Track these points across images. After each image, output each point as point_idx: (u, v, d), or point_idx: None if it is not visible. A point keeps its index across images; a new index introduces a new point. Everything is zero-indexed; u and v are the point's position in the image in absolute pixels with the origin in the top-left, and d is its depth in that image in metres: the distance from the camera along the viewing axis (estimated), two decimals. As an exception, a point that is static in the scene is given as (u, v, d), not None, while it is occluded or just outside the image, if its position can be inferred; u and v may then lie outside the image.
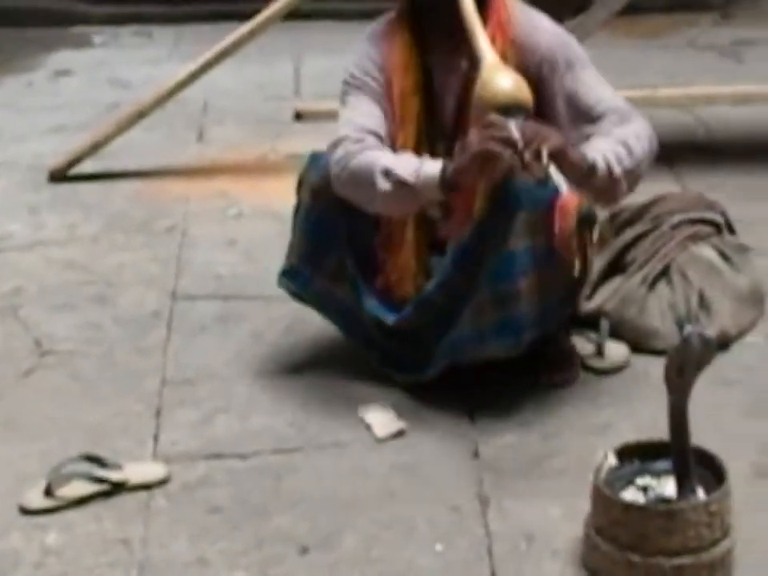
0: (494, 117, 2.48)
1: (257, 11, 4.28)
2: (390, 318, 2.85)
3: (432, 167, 2.57)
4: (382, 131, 2.73)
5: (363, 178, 2.61)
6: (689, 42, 5.70)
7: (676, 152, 4.35)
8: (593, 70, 2.76)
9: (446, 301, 2.78)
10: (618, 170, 2.54)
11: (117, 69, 5.54)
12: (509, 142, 2.43)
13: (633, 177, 2.62)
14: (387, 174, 2.55)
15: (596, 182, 2.55)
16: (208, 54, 4.32)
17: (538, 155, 2.41)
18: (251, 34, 4.22)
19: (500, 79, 2.52)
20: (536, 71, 2.67)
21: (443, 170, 2.52)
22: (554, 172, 2.46)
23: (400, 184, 2.54)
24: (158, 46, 5.83)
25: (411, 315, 2.83)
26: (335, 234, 2.84)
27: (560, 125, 2.67)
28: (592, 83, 2.73)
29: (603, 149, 2.55)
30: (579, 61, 2.74)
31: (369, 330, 2.94)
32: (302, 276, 2.94)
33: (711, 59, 5.49)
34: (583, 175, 2.52)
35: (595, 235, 2.71)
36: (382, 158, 2.62)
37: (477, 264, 2.64)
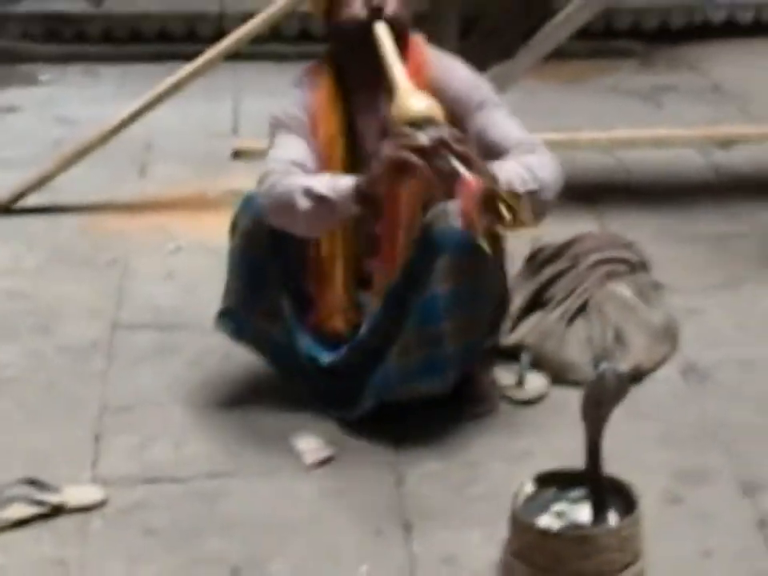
0: (404, 128, 2.60)
1: (200, 52, 4.38)
2: (324, 358, 2.93)
3: (347, 180, 2.66)
4: (309, 164, 2.82)
5: (286, 201, 2.69)
6: (611, 87, 5.82)
7: (597, 192, 4.49)
8: (503, 110, 2.88)
9: (377, 342, 2.86)
10: (520, 190, 2.62)
11: (63, 106, 5.60)
12: (418, 150, 2.53)
13: (535, 201, 2.68)
14: (307, 192, 2.63)
15: (500, 195, 2.60)
16: (151, 93, 4.38)
17: (446, 162, 2.50)
18: (193, 74, 4.30)
19: (412, 99, 2.63)
20: (449, 110, 2.75)
21: (359, 182, 2.63)
22: (458, 165, 2.52)
23: (319, 200, 2.62)
24: (104, 84, 5.90)
25: (345, 356, 2.92)
26: (268, 275, 2.92)
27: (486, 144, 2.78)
28: (501, 122, 2.85)
29: (507, 168, 2.64)
30: (490, 101, 2.87)
31: (303, 366, 3.00)
32: (238, 318, 3.01)
33: (632, 104, 5.62)
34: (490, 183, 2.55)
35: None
36: (301, 179, 2.72)
37: (403, 306, 2.72)
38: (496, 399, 3.09)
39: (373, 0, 2.75)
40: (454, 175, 2.52)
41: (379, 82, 2.78)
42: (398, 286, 2.74)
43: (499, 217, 2.51)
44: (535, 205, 2.62)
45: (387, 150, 2.58)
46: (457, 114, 2.79)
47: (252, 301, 2.97)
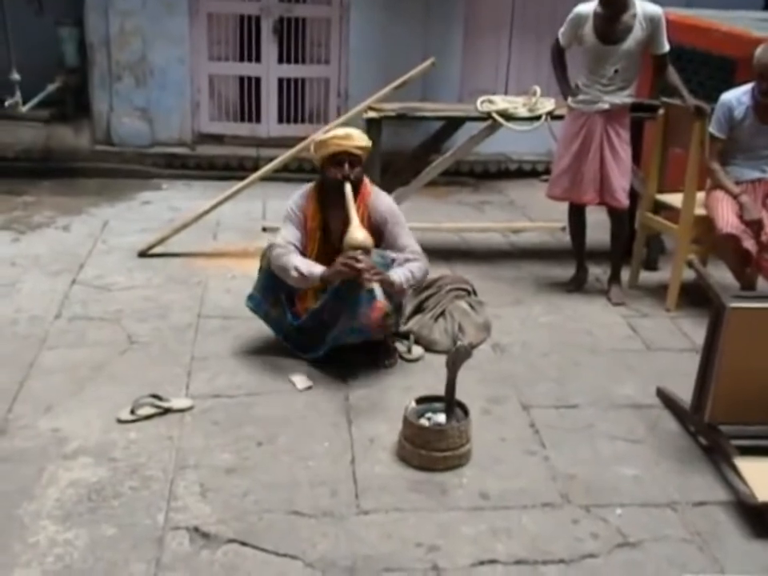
0: (351, 252, 3.94)
1: (246, 176, 6.11)
2: (296, 322, 4.29)
3: (317, 271, 4.04)
4: (299, 243, 4.15)
5: (283, 268, 4.10)
6: (458, 201, 7.59)
7: (449, 255, 6.09)
8: (405, 227, 4.24)
9: (328, 315, 4.16)
10: (405, 286, 4.05)
11: (174, 201, 7.17)
12: (356, 267, 3.91)
13: (412, 285, 4.13)
14: (296, 269, 4.06)
15: (394, 289, 4.04)
16: (220, 197, 6.10)
17: (366, 278, 3.88)
18: (242, 188, 6.01)
19: (357, 234, 3.99)
20: (378, 222, 4.19)
21: (323, 273, 4.03)
22: (376, 286, 3.90)
23: (301, 274, 4.07)
24: (195, 191, 7.48)
25: (306, 320, 4.26)
26: (276, 284, 4.24)
27: (388, 248, 4.18)
28: (403, 234, 4.23)
29: (400, 274, 4.04)
30: (398, 221, 4.24)
31: (287, 330, 4.33)
32: (258, 300, 4.35)
33: (468, 210, 7.35)
34: (388, 285, 3.99)
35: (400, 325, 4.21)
36: (295, 260, 4.07)
37: (343, 299, 4.09)
38: (396, 358, 4.44)
39: (345, 171, 4.14)
40: (369, 283, 3.90)
41: (342, 210, 4.15)
42: (340, 288, 4.10)
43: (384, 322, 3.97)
44: (411, 286, 4.12)
45: (339, 263, 4.00)
46: (381, 224, 4.21)
47: (266, 294, 4.32)
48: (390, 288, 4.01)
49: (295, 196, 4.36)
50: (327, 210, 4.31)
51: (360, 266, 3.93)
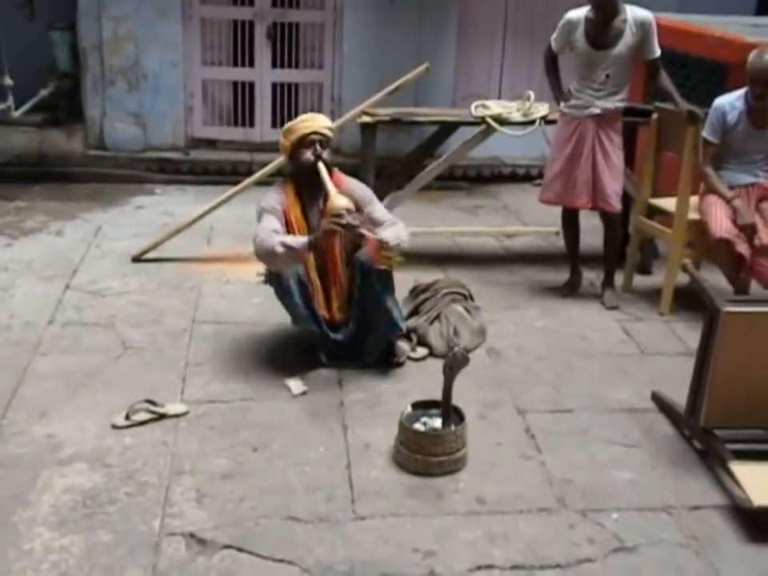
0: (336, 213, 4.04)
1: (239, 181, 6.15)
2: (331, 333, 4.43)
3: (304, 238, 4.11)
4: (281, 232, 4.18)
5: (269, 251, 4.11)
6: (451, 205, 7.66)
7: (444, 259, 6.15)
8: (378, 204, 4.38)
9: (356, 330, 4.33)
10: (395, 242, 4.17)
11: (167, 206, 7.19)
12: (341, 223, 4.02)
13: (400, 244, 4.24)
14: (282, 244, 4.09)
15: (386, 246, 4.14)
16: (213, 202, 6.15)
17: (355, 231, 4.03)
18: (236, 192, 6.03)
19: (338, 200, 4.11)
20: (355, 203, 4.25)
21: (311, 238, 4.10)
22: (365, 231, 4.09)
23: (288, 247, 4.09)
24: (188, 195, 7.51)
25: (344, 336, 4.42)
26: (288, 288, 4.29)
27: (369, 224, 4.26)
28: (379, 209, 4.36)
29: (386, 234, 4.19)
30: (373, 199, 4.38)
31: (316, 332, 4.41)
32: (304, 317, 4.37)
33: (462, 214, 7.40)
34: (380, 243, 4.11)
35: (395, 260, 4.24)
36: (278, 238, 4.12)
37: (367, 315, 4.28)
38: (406, 355, 4.51)
39: (317, 151, 4.23)
40: (362, 236, 4.06)
41: (319, 192, 4.26)
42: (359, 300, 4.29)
43: (383, 256, 4.10)
44: (397, 248, 4.19)
45: (325, 223, 4.10)
46: (359, 206, 4.30)
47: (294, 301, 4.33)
48: (384, 245, 4.19)
49: (269, 194, 4.40)
50: (304, 198, 4.40)
51: (345, 221, 4.07)
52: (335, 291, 4.45)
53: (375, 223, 4.33)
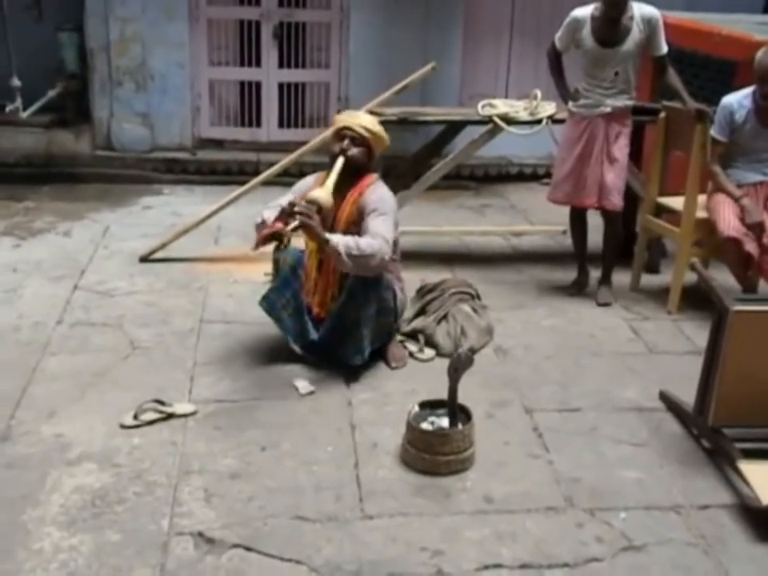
0: (304, 203, 4.04)
1: (247, 181, 6.15)
2: (312, 335, 4.37)
3: (279, 223, 4.05)
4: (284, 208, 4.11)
5: (256, 224, 4.18)
6: (458, 205, 7.66)
7: (451, 258, 6.16)
8: (383, 217, 4.22)
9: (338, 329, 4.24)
10: (341, 249, 3.99)
11: (175, 206, 7.20)
12: (294, 211, 4.01)
13: (352, 254, 4.01)
14: (261, 215, 4.16)
15: (329, 250, 4.03)
16: (221, 202, 6.14)
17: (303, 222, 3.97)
18: (243, 192, 6.01)
19: (318, 192, 4.11)
20: (362, 209, 4.25)
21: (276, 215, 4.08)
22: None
23: (262, 221, 4.16)
24: (196, 196, 7.53)
25: (321, 335, 4.33)
26: (290, 286, 4.33)
27: (362, 233, 4.17)
28: (377, 222, 4.19)
29: (340, 238, 4.05)
30: (384, 213, 4.23)
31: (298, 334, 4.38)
32: (272, 301, 4.38)
33: (469, 213, 7.40)
34: (323, 242, 4.02)
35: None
36: (267, 212, 4.18)
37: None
38: (405, 360, 4.46)
39: (343, 145, 4.24)
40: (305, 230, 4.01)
41: (341, 185, 4.24)
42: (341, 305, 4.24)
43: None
44: (355, 261, 4.06)
45: (297, 207, 4.06)
46: (364, 211, 4.25)
47: (280, 296, 4.37)
48: (325, 245, 4.07)
49: (307, 177, 4.56)
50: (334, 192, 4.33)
51: (297, 209, 4.04)
52: (321, 285, 4.45)
53: (364, 233, 4.23)
